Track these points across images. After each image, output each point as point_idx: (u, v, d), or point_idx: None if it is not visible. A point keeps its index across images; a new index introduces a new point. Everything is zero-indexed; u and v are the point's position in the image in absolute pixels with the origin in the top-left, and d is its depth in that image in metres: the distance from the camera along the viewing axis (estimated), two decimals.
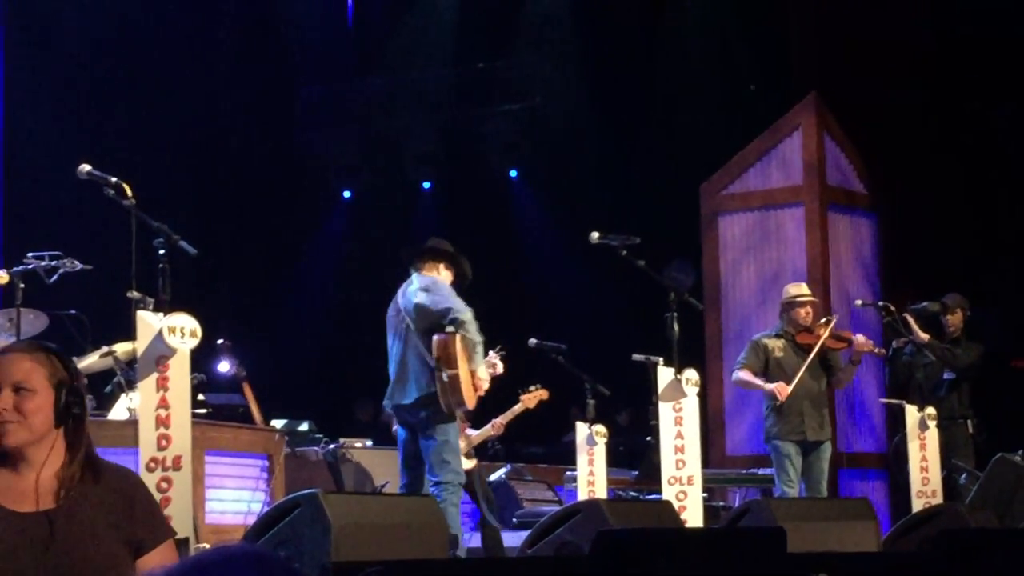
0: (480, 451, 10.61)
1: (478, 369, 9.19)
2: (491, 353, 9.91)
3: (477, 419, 10.71)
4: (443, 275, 9.40)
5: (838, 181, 13.86)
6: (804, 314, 10.97)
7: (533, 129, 17.78)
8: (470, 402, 9.16)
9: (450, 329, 9.05)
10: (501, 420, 10.79)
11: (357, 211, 18.67)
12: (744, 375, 11.04)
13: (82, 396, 3.94)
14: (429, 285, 9.23)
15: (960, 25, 14.61)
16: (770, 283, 13.31)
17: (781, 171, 13.76)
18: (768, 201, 13.79)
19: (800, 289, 11.20)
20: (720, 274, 13.86)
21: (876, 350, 11.33)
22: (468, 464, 10.41)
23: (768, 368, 10.95)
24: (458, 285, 9.50)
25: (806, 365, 10.79)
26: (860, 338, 10.94)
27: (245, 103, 17.39)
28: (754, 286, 13.60)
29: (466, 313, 9.08)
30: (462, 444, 10.31)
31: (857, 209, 14.00)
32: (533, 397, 10.72)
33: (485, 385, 9.31)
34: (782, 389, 10.74)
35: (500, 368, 10.05)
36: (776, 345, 10.97)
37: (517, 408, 10.73)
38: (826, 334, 10.84)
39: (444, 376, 8.98)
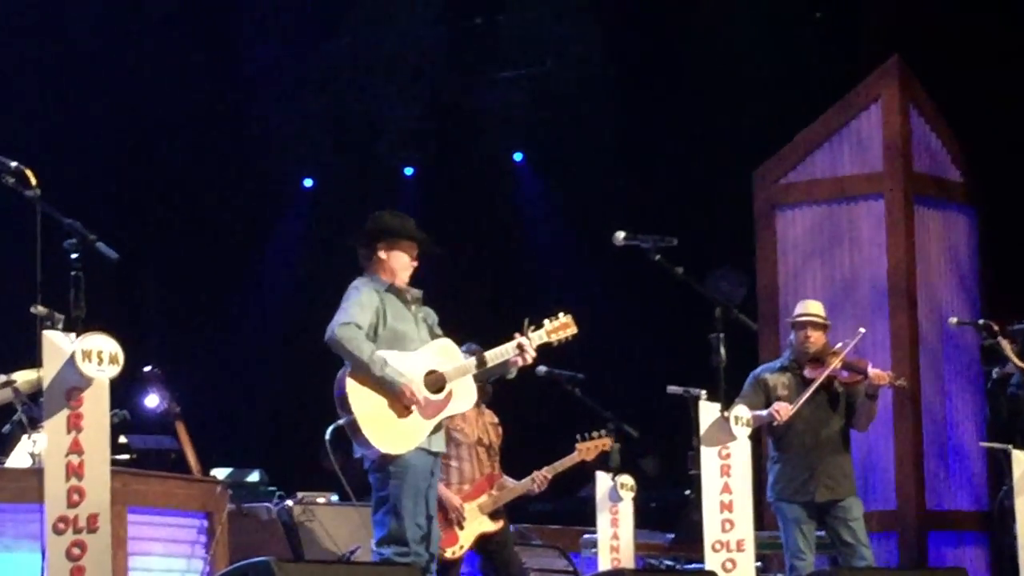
0: None
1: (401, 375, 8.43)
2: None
3: (517, 468, 10.52)
4: (393, 260, 8.95)
5: (928, 167, 13.88)
6: (804, 338, 10.70)
7: (542, 101, 17.79)
8: (385, 445, 8.37)
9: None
10: (546, 472, 10.48)
11: (321, 204, 18.67)
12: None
13: None
14: (343, 298, 8.75)
15: None
16: (842, 295, 13.30)
17: (855, 154, 13.76)
18: (839, 192, 13.80)
19: (806, 307, 10.90)
20: (778, 284, 13.84)
21: (898, 382, 11.03)
22: (493, 526, 10.34)
23: None
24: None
25: (802, 399, 10.45)
26: (875, 369, 10.63)
27: (181, 70, 17.35)
28: (822, 299, 13.45)
29: (340, 329, 8.41)
30: (484, 500, 10.22)
31: (952, 203, 14.01)
32: (594, 447, 10.36)
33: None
34: (782, 408, 10.43)
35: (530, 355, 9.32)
36: (779, 381, 10.68)
37: (570, 459, 10.43)
38: (837, 363, 10.59)
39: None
